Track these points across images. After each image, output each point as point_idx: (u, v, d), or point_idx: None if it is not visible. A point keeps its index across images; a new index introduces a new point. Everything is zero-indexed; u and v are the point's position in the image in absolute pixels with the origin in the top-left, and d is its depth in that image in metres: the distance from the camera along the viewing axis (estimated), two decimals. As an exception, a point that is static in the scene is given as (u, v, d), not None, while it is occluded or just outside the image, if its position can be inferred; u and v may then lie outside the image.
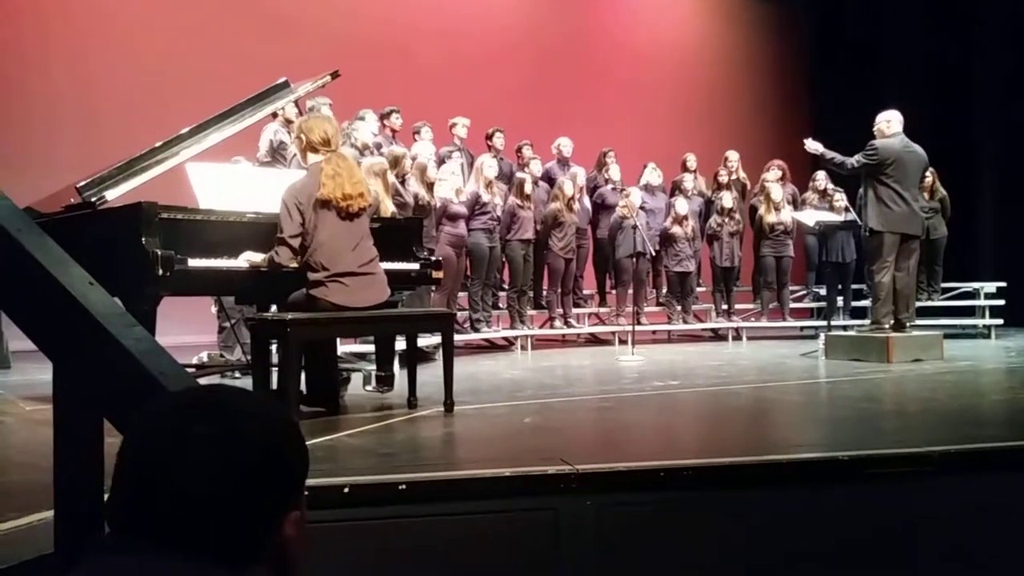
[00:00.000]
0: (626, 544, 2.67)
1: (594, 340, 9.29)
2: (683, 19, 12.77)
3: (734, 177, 9.97)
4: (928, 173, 9.24)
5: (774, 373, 5.99)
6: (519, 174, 8.42)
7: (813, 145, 6.93)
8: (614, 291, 9.12)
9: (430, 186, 7.15)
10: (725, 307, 9.51)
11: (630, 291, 8.75)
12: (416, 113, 8.20)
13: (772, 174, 9.67)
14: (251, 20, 9.49)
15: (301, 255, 3.94)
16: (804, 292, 10.13)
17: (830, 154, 6.82)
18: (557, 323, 8.71)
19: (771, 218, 9.29)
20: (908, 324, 6.72)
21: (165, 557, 0.87)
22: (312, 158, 4.02)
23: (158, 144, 4.34)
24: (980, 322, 9.26)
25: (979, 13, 10.65)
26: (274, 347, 4.34)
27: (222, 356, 6.04)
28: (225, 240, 4.06)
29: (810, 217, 8.66)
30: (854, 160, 6.62)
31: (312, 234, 3.90)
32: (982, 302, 9.32)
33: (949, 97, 10.70)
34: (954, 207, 9.49)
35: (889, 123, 6.67)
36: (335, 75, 5.17)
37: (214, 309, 6.27)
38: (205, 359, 5.94)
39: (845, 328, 8.42)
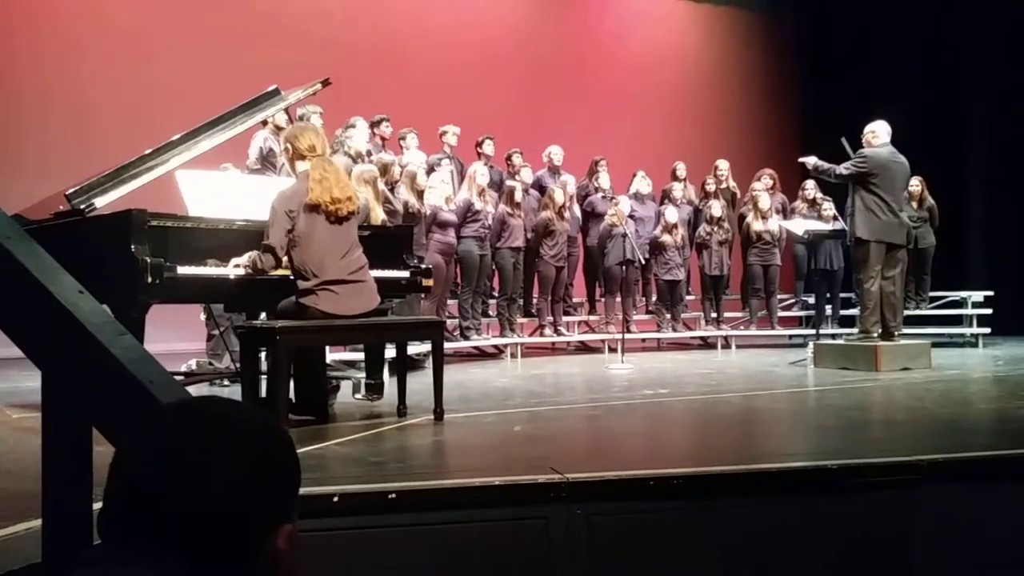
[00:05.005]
0: (616, 553, 2.67)
1: (584, 348, 9.30)
2: (673, 28, 12.82)
3: (723, 186, 10.01)
4: (917, 182, 9.30)
5: (763, 381, 6.00)
6: (509, 182, 8.42)
7: (809, 161, 6.99)
8: (603, 299, 9.13)
9: (420, 194, 7.15)
10: (714, 315, 9.53)
11: (619, 299, 8.76)
12: (407, 121, 8.20)
13: (762, 183, 9.71)
14: (245, 28, 9.49)
15: (287, 263, 3.94)
16: (793, 301, 10.16)
17: (824, 165, 6.87)
18: (547, 331, 8.70)
19: (758, 226, 9.33)
20: (896, 333, 6.75)
21: (156, 569, 0.87)
22: (300, 166, 4.02)
23: (148, 151, 4.33)
24: (968, 331, 9.30)
25: (969, 23, 10.70)
26: (263, 355, 4.33)
27: (211, 364, 6.03)
28: (214, 247, 4.06)
29: (799, 226, 8.70)
30: (842, 168, 6.68)
31: (302, 241, 3.89)
32: (970, 311, 9.37)
33: (938, 106, 10.75)
34: (942, 216, 9.52)
35: (876, 134, 6.74)
36: (326, 83, 5.17)
37: (203, 317, 6.26)
38: (194, 367, 5.92)
39: (833, 337, 8.46)
